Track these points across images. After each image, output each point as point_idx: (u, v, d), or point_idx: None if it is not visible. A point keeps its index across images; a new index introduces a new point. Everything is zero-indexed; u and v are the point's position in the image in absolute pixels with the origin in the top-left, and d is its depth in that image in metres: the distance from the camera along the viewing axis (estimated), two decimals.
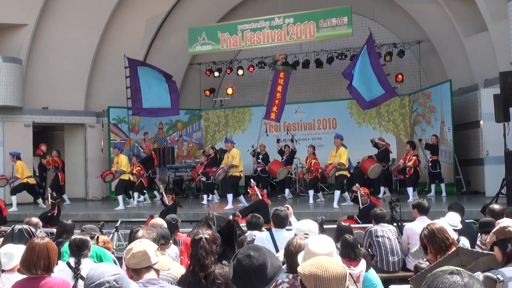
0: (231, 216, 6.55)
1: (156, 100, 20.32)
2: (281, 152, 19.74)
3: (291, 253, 4.74)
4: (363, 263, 6.31)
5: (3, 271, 5.14)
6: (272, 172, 19.00)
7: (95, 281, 3.24)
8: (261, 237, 7.38)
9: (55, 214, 13.41)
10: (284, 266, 4.96)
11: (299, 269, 3.08)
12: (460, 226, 7.49)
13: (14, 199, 17.68)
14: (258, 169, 19.29)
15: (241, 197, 16.67)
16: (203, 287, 4.47)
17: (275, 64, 19.91)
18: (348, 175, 16.65)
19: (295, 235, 5.91)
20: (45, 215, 13.50)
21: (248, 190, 13.60)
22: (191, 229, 8.91)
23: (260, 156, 19.41)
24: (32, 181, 18.51)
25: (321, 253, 3.80)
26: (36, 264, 4.71)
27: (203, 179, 18.75)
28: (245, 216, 12.18)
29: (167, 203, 13.01)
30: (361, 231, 10.07)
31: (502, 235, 4.74)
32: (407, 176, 17.03)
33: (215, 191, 19.21)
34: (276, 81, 19.29)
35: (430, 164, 17.52)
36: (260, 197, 12.76)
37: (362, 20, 22.26)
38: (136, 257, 4.00)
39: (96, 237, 7.30)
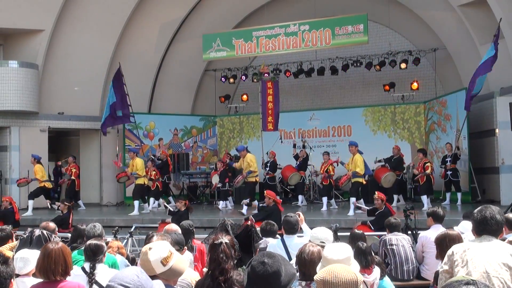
0: (249, 222, 6.54)
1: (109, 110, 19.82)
2: (296, 157, 19.71)
3: (304, 260, 4.73)
4: (377, 270, 6.29)
5: (18, 275, 5.16)
6: (284, 176, 19.02)
7: (109, 281, 3.27)
8: (272, 244, 7.38)
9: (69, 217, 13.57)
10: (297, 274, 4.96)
11: (315, 276, 3.11)
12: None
13: (31, 203, 17.83)
14: (267, 177, 19.28)
15: (256, 203, 16.63)
16: None
17: (261, 76, 19.98)
18: (364, 182, 16.59)
19: (309, 241, 5.90)
20: (60, 218, 13.62)
21: (265, 192, 13.56)
22: (205, 235, 8.91)
23: (268, 164, 19.41)
24: (49, 185, 18.66)
25: (334, 259, 3.79)
26: (54, 270, 4.72)
27: (219, 185, 18.81)
28: (259, 220, 12.23)
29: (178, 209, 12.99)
30: (376, 237, 10.05)
31: None
32: (421, 184, 16.99)
33: (230, 198, 19.22)
34: (266, 91, 19.35)
35: (450, 172, 17.39)
36: (273, 202, 12.67)
37: (378, 28, 22.25)
38: (141, 264, 4.00)
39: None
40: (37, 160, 18.32)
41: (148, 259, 3.93)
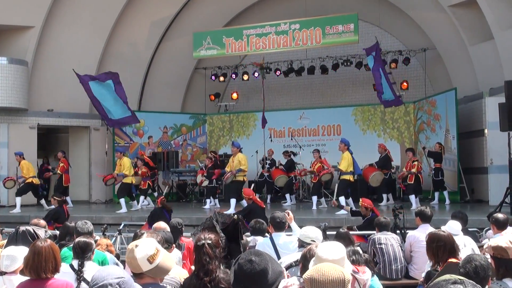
0: (235, 216, 6.54)
1: (118, 110, 19.69)
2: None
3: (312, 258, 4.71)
4: (368, 271, 6.29)
5: (5, 273, 5.14)
6: (272, 178, 19.14)
7: (98, 283, 3.27)
8: (261, 242, 7.37)
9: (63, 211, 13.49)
10: (291, 270, 4.97)
11: (303, 275, 3.11)
12: (460, 234, 7.50)
13: (18, 200, 17.71)
14: (265, 174, 19.31)
15: (244, 202, 16.62)
16: None
17: (263, 71, 20.04)
18: (352, 180, 16.56)
19: (301, 241, 5.91)
20: (53, 213, 13.58)
21: (242, 194, 13.66)
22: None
23: (268, 162, 19.41)
24: (36, 181, 18.53)
25: (329, 259, 3.76)
26: (46, 268, 4.72)
27: (205, 183, 18.78)
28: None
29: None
30: (363, 242, 10.06)
31: (498, 254, 4.73)
32: (408, 183, 17.02)
33: (216, 196, 19.17)
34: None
35: (433, 172, 17.51)
36: (251, 200, 12.69)
37: (368, 27, 22.27)
38: (127, 261, 3.98)
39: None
40: (21, 156, 18.19)
41: (135, 257, 3.90)
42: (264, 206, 12.69)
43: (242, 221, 6.04)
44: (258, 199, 12.94)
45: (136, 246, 3.95)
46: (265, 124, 19.61)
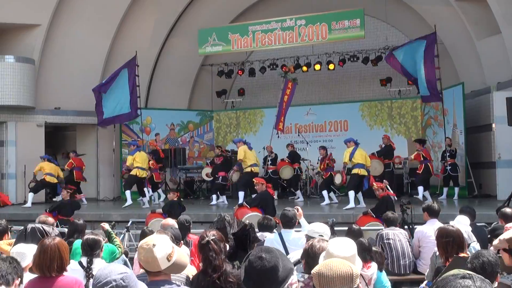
0: (247, 221, 6.55)
1: (115, 107, 19.80)
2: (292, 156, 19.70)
3: (314, 254, 4.71)
4: (374, 265, 6.30)
5: None
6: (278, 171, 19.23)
7: (102, 280, 3.32)
8: (270, 239, 7.37)
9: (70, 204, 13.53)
10: (298, 266, 4.97)
11: (312, 270, 3.11)
12: (469, 229, 7.50)
13: (31, 196, 17.90)
14: (269, 170, 19.29)
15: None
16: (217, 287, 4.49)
17: (286, 74, 19.97)
18: (359, 173, 16.43)
19: (308, 237, 5.92)
20: (56, 205, 13.63)
21: (254, 180, 13.72)
22: (201, 230, 8.93)
23: (269, 158, 19.39)
24: (52, 179, 18.55)
25: (340, 256, 3.75)
26: (50, 267, 4.72)
27: (208, 179, 18.83)
28: (254, 206, 12.65)
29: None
30: (377, 223, 10.14)
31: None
32: (418, 173, 16.92)
33: (224, 192, 19.16)
34: (285, 91, 19.34)
35: (449, 167, 17.30)
36: (265, 188, 12.84)
37: (374, 22, 22.22)
38: (144, 260, 3.98)
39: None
40: (44, 159, 18.53)
41: (155, 256, 3.90)
42: (273, 193, 12.91)
43: (253, 228, 6.03)
44: (271, 188, 13.09)
45: (154, 245, 3.93)
46: (279, 126, 19.55)
